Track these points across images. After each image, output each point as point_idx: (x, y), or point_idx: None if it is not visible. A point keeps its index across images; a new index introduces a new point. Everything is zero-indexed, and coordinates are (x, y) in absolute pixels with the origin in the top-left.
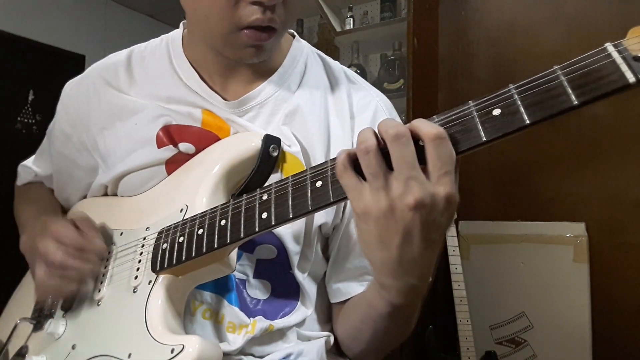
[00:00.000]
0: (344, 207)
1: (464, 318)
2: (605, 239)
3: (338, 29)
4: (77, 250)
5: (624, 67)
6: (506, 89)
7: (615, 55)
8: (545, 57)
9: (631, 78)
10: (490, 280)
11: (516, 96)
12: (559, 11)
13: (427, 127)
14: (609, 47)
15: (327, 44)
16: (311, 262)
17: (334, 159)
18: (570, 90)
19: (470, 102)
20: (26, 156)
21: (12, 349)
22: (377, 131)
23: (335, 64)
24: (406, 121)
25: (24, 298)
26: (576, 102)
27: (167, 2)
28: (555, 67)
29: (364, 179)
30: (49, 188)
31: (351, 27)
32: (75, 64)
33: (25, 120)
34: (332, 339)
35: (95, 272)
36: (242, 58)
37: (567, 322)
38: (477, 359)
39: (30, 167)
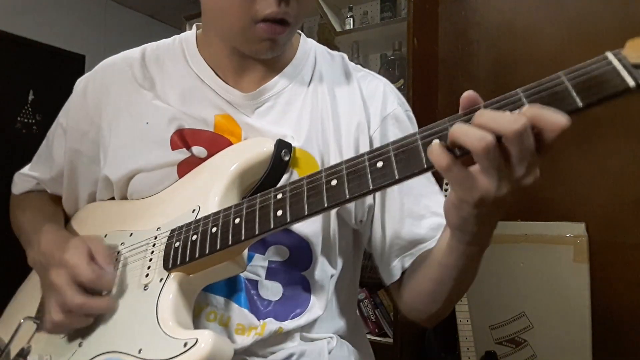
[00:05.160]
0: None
1: (464, 318)
2: (605, 239)
3: (338, 29)
4: (94, 288)
5: (624, 73)
6: (513, 92)
7: (616, 62)
8: (545, 57)
9: (631, 83)
10: (490, 280)
11: (524, 99)
12: (559, 12)
13: (551, 118)
14: (610, 55)
15: (327, 44)
16: (325, 262)
17: (349, 159)
18: (575, 94)
19: (480, 104)
20: (26, 156)
21: (15, 349)
22: (480, 123)
23: (339, 56)
24: None
25: (28, 297)
26: (581, 105)
27: (167, 2)
28: (560, 72)
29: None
30: (50, 195)
31: (351, 27)
32: (75, 64)
33: (25, 120)
34: (334, 341)
35: (108, 307)
36: (257, 52)
37: (567, 322)
38: (477, 359)
39: (29, 174)
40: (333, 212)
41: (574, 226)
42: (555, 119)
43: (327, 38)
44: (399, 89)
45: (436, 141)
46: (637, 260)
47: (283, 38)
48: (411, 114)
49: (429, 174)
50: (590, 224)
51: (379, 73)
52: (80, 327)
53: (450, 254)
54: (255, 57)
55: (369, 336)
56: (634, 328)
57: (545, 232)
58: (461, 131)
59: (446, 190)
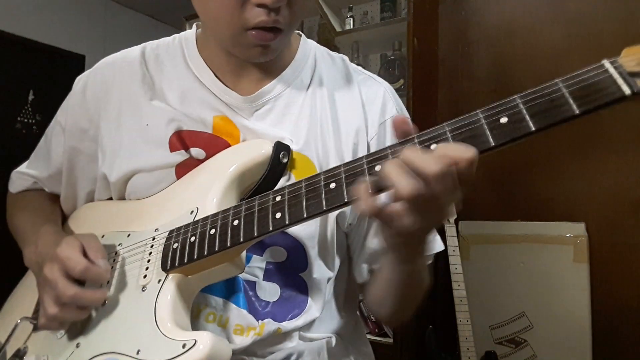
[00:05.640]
0: None
1: (464, 318)
2: (605, 239)
3: (338, 29)
4: (85, 280)
5: (620, 81)
6: (511, 99)
7: (612, 70)
8: (545, 57)
9: (627, 90)
10: (490, 280)
11: (522, 106)
12: (559, 11)
13: (460, 151)
14: (606, 63)
15: (327, 44)
16: (322, 265)
17: (347, 162)
18: (572, 101)
19: (478, 111)
20: (26, 156)
21: (12, 349)
22: (407, 162)
23: (340, 58)
24: None
25: (24, 297)
26: (577, 112)
27: (167, 2)
28: (557, 80)
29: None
30: (48, 194)
31: (351, 27)
32: (75, 64)
33: (25, 120)
34: (333, 340)
35: (102, 299)
36: (249, 57)
37: (567, 322)
38: (477, 359)
39: (27, 172)
40: (331, 216)
41: (574, 226)
42: (464, 151)
43: (327, 38)
44: (399, 89)
45: (363, 186)
46: (637, 260)
47: (275, 44)
48: (409, 120)
49: None
50: (590, 224)
51: (379, 73)
52: (77, 324)
53: (389, 268)
54: (249, 61)
55: (369, 336)
56: (634, 328)
57: (545, 232)
58: (392, 173)
59: None
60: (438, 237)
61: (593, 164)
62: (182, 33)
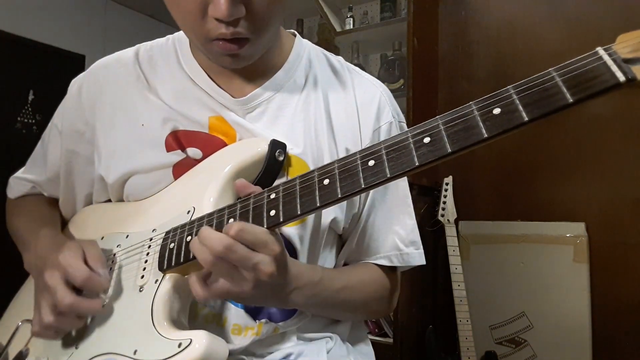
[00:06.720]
0: (361, 197)
1: (464, 318)
2: (605, 239)
3: (338, 29)
4: (85, 289)
5: (614, 68)
6: (504, 90)
7: (606, 57)
8: (545, 57)
9: (621, 77)
10: (490, 280)
11: (514, 96)
12: (558, 11)
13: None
14: (600, 50)
15: (327, 44)
16: (316, 263)
17: (341, 159)
18: (565, 90)
19: (471, 102)
20: (26, 156)
21: (13, 352)
22: (200, 239)
23: (336, 59)
24: (407, 120)
25: (26, 301)
26: (571, 100)
27: None
28: (550, 69)
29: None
30: (47, 198)
31: (351, 27)
32: (75, 64)
33: (25, 120)
34: (332, 340)
35: (98, 308)
36: (222, 65)
37: (567, 322)
38: (477, 359)
39: (25, 177)
40: (324, 218)
41: (574, 226)
42: (229, 227)
43: (327, 38)
44: (399, 89)
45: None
46: (637, 260)
47: (244, 51)
48: (404, 124)
49: (407, 194)
50: (590, 224)
51: (378, 73)
52: (72, 330)
53: None
54: (225, 67)
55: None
56: (634, 328)
57: (545, 232)
58: (194, 247)
59: (444, 204)
60: (420, 251)
61: (593, 164)
62: (176, 34)
